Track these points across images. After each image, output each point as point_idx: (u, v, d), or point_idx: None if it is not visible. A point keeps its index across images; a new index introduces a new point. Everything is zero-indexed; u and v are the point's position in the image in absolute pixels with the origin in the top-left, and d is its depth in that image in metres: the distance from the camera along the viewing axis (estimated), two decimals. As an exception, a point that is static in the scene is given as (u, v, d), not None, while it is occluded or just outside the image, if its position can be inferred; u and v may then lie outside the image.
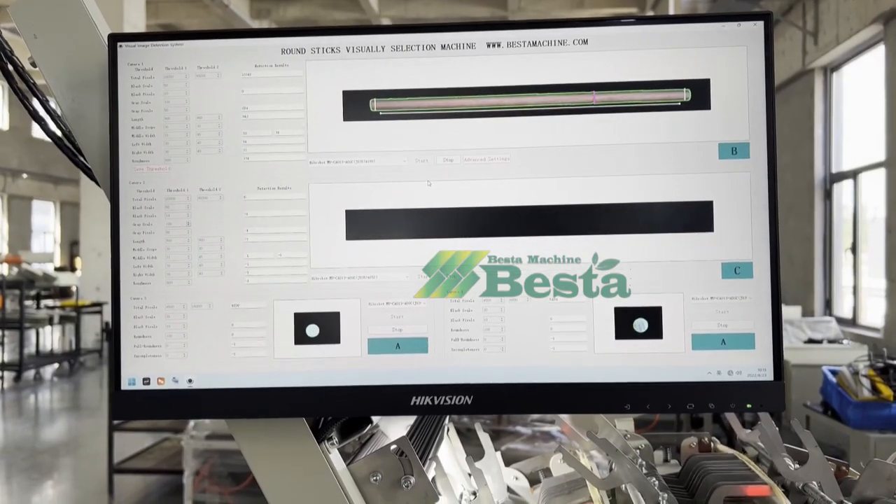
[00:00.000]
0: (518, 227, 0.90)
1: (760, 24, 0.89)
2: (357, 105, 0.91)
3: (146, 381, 0.91)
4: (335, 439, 0.96)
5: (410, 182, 0.91)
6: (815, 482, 1.05)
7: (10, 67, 0.98)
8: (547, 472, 1.42)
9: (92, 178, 0.97)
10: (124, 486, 4.81)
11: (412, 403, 0.90)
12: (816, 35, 7.62)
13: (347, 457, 0.99)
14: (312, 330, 0.91)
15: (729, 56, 0.90)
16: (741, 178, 0.89)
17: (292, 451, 0.93)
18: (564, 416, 1.37)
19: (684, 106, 0.90)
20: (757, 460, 1.22)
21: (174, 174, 0.92)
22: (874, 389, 4.35)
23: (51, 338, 11.79)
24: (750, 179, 0.89)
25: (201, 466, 3.86)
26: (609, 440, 1.10)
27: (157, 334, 0.91)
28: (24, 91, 1.00)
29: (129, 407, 0.92)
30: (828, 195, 7.93)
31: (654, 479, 1.04)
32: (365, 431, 1.05)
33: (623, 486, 1.08)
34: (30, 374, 9.26)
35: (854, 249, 7.40)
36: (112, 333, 0.92)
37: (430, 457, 1.11)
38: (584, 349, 0.90)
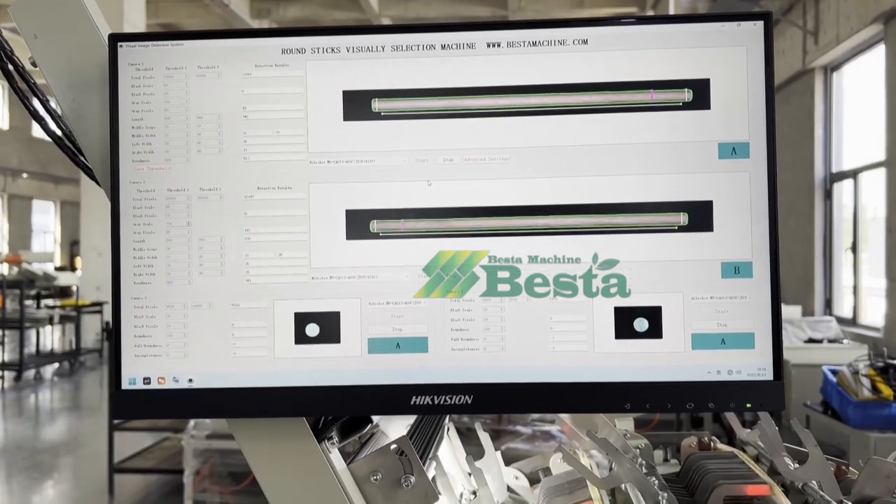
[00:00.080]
0: (518, 227, 0.91)
1: (760, 23, 0.89)
2: (357, 105, 0.92)
3: (146, 380, 0.91)
4: (335, 439, 0.96)
5: (410, 182, 0.91)
6: (814, 481, 1.05)
7: (11, 67, 0.98)
8: (547, 471, 1.43)
9: (92, 177, 0.97)
10: (124, 485, 4.81)
11: (412, 403, 0.90)
12: (817, 34, 7.62)
13: (347, 456, 0.99)
14: (313, 329, 0.91)
15: (729, 56, 0.90)
16: (741, 177, 0.89)
17: (293, 451, 0.93)
18: (564, 416, 1.37)
19: (684, 106, 0.90)
20: (757, 460, 1.22)
21: (174, 174, 0.92)
22: (874, 389, 4.35)
23: (51, 337, 11.79)
24: (750, 179, 0.89)
25: (201, 466, 3.86)
26: (609, 440, 1.11)
27: (157, 334, 0.91)
28: (25, 91, 1.00)
29: (130, 406, 0.92)
30: (828, 195, 7.92)
31: (653, 478, 1.04)
32: (365, 431, 1.05)
33: (623, 485, 1.08)
34: (30, 373, 9.27)
35: (854, 249, 7.40)
36: (112, 333, 0.92)
37: (430, 456, 1.11)
38: (584, 349, 0.90)
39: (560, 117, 0.91)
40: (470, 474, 1.29)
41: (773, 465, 1.13)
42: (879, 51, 6.66)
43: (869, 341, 6.16)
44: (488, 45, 0.91)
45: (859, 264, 7.34)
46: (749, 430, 1.26)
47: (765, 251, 0.89)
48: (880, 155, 6.51)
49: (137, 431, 4.99)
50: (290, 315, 0.91)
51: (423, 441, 1.11)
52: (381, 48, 0.92)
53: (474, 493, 1.25)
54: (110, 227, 0.92)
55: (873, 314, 6.99)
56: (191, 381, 0.91)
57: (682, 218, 0.90)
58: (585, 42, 0.91)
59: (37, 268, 13.65)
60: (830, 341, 5.97)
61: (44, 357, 10.24)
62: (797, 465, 1.10)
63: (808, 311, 7.71)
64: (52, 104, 1.00)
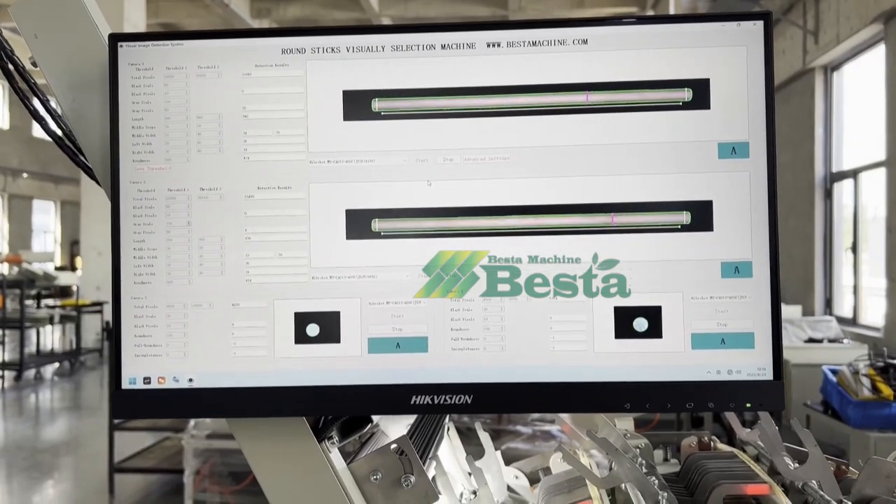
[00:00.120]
0: (518, 226, 0.91)
1: (760, 23, 0.90)
2: (357, 105, 0.92)
3: (147, 380, 0.91)
4: (335, 438, 0.96)
5: (410, 182, 0.91)
6: (814, 481, 1.05)
7: (11, 67, 0.98)
8: (547, 471, 1.43)
9: (93, 177, 0.97)
10: (125, 485, 4.81)
11: (412, 403, 0.90)
12: (817, 34, 7.62)
13: (348, 456, 0.99)
14: (313, 329, 0.91)
15: (729, 56, 0.90)
16: (741, 177, 0.89)
17: (293, 451, 0.93)
18: (564, 416, 1.37)
19: (684, 106, 0.90)
20: (757, 459, 1.22)
21: (174, 174, 0.92)
22: (874, 389, 4.35)
23: (51, 337, 11.80)
24: (749, 179, 0.89)
25: (202, 466, 3.86)
26: (609, 439, 1.11)
27: (157, 334, 0.91)
28: (25, 90, 1.00)
29: (130, 406, 0.92)
30: (828, 194, 7.92)
31: (653, 478, 1.04)
32: (365, 430, 1.05)
33: (623, 485, 1.08)
34: (30, 373, 9.27)
35: (854, 249, 7.40)
36: (113, 333, 0.92)
37: (430, 456, 1.11)
38: (584, 348, 0.90)
39: (560, 117, 0.91)
40: (470, 474, 1.29)
41: (773, 465, 1.13)
42: (880, 50, 6.65)
43: (869, 341, 6.16)
44: (488, 45, 0.91)
45: (859, 264, 7.34)
46: (749, 430, 1.26)
47: (765, 251, 0.89)
48: (880, 155, 6.51)
49: (138, 431, 4.99)
50: (291, 315, 0.91)
51: (423, 441, 1.11)
52: (381, 48, 0.92)
53: (474, 492, 1.26)
54: (110, 227, 0.92)
55: (873, 314, 6.99)
56: (191, 380, 0.91)
57: (682, 217, 0.90)
58: (585, 42, 0.91)
59: (37, 267, 13.65)
60: (830, 341, 5.97)
61: (44, 357, 10.25)
62: (797, 465, 1.10)
63: (808, 311, 7.71)
64: (53, 104, 1.00)
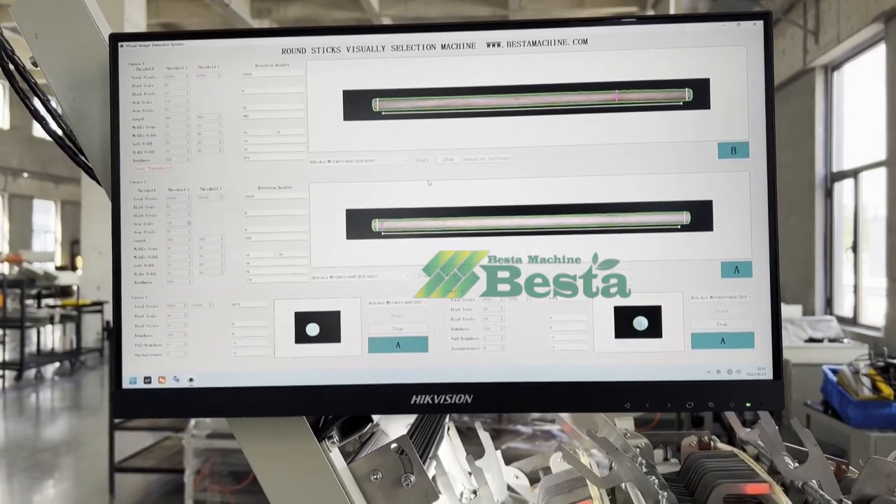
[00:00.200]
0: (518, 226, 0.91)
1: (760, 23, 0.90)
2: (357, 105, 0.92)
3: (147, 379, 0.91)
4: (336, 438, 0.96)
5: (411, 181, 0.91)
6: (814, 481, 1.05)
7: (12, 67, 0.98)
8: (547, 470, 1.43)
9: (93, 177, 0.98)
10: (125, 484, 4.81)
11: (412, 402, 0.90)
12: (817, 34, 7.61)
13: (348, 455, 0.99)
14: (313, 329, 0.91)
15: (728, 56, 0.90)
16: (741, 177, 0.89)
17: (293, 450, 0.93)
18: (565, 415, 1.37)
19: (684, 105, 0.90)
20: (757, 459, 1.22)
21: (175, 173, 0.92)
22: (875, 388, 4.35)
23: (52, 337, 11.81)
24: (749, 179, 0.89)
25: (202, 465, 3.86)
26: (609, 439, 1.11)
27: (158, 333, 0.91)
28: (26, 90, 1.00)
29: (130, 406, 0.92)
30: (828, 194, 7.92)
31: (653, 477, 1.04)
32: (365, 430, 1.05)
33: (623, 484, 1.08)
34: (31, 372, 9.27)
35: (855, 248, 7.40)
36: (113, 332, 0.92)
37: (430, 455, 1.12)
38: (584, 348, 0.90)
39: (560, 117, 0.91)
40: (470, 473, 1.29)
41: (773, 465, 1.13)
42: (880, 50, 6.65)
43: (869, 341, 6.16)
44: (488, 45, 0.91)
45: (860, 264, 7.34)
46: (749, 430, 1.26)
47: (764, 251, 0.89)
48: (881, 154, 6.51)
49: (138, 431, 4.99)
50: (291, 314, 0.91)
51: (423, 440, 1.11)
52: (381, 48, 0.92)
53: (474, 492, 1.26)
54: (111, 227, 0.92)
55: (874, 314, 6.98)
56: (191, 380, 0.91)
57: (682, 217, 0.90)
58: (585, 42, 0.91)
59: (37, 267, 13.64)
60: (831, 341, 5.97)
61: (44, 356, 10.25)
62: (797, 465, 1.10)
63: (808, 311, 7.70)
64: (53, 104, 1.00)
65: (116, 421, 4.61)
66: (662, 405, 0.90)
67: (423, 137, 0.91)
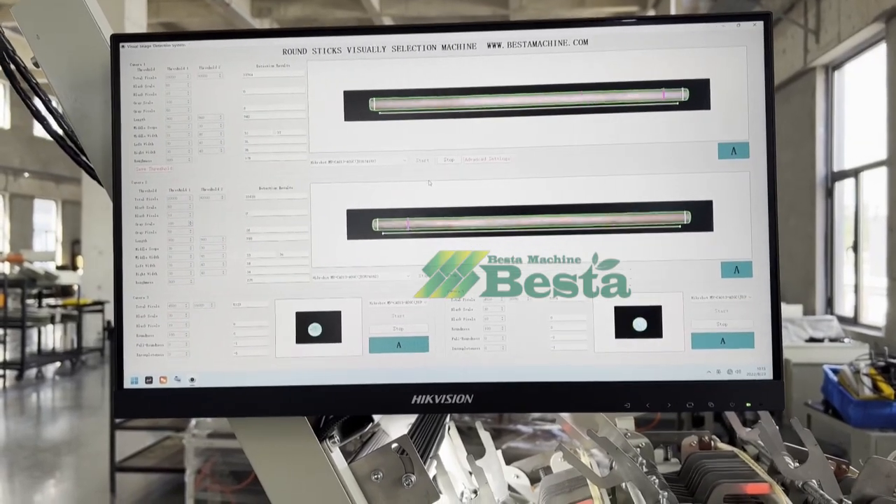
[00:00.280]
0: (518, 226, 0.91)
1: (760, 24, 0.90)
2: (358, 105, 0.92)
3: (148, 379, 0.92)
4: (336, 438, 0.97)
5: (411, 182, 0.91)
6: (814, 480, 1.05)
7: (13, 67, 0.98)
8: (547, 470, 1.43)
9: (94, 177, 0.98)
10: (126, 484, 4.82)
11: (413, 402, 0.91)
12: (818, 33, 7.61)
13: (349, 455, 0.99)
14: (314, 329, 0.91)
15: (729, 56, 0.90)
16: (741, 177, 0.90)
17: (294, 450, 0.93)
18: (565, 415, 1.38)
19: (684, 106, 0.90)
20: (757, 459, 1.22)
21: (176, 174, 0.92)
22: (875, 388, 4.35)
23: (52, 336, 11.81)
24: (749, 179, 0.90)
25: (203, 465, 3.86)
26: (609, 439, 1.11)
27: (159, 333, 0.91)
28: (27, 90, 1.00)
29: (132, 405, 0.92)
30: (829, 193, 7.92)
31: (654, 477, 1.05)
32: (366, 430, 1.05)
33: (623, 484, 1.09)
34: (32, 372, 9.28)
35: (855, 248, 7.39)
36: (115, 332, 0.92)
37: (431, 455, 1.12)
38: (585, 348, 0.90)
39: (560, 117, 0.91)
40: (471, 473, 1.29)
41: (774, 464, 1.13)
42: (881, 50, 6.65)
43: (870, 340, 6.16)
44: (489, 46, 0.91)
45: (860, 263, 7.34)
46: (749, 429, 1.26)
47: (765, 251, 0.89)
48: (881, 154, 6.50)
49: (139, 430, 4.99)
50: (292, 314, 0.91)
51: (424, 440, 1.11)
52: (381, 48, 0.92)
53: (475, 491, 1.26)
54: (112, 227, 0.92)
55: (874, 313, 6.98)
56: (192, 380, 0.91)
57: (683, 217, 0.90)
58: (586, 42, 0.91)
59: (38, 267, 13.63)
60: (831, 340, 5.97)
61: (45, 356, 10.26)
62: (797, 464, 1.10)
63: (809, 310, 7.70)
64: (54, 104, 1.01)
65: (117, 420, 4.61)
66: (663, 405, 0.90)
67: (424, 138, 0.91)
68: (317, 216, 0.92)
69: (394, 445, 0.95)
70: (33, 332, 10.51)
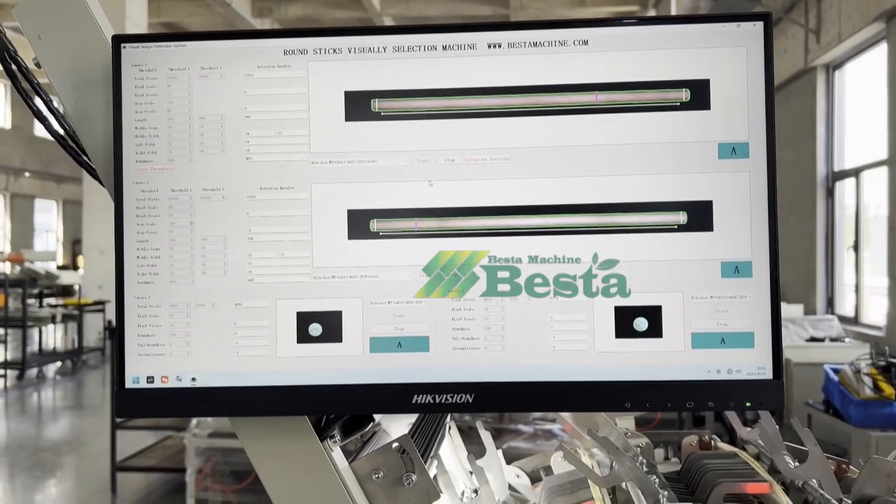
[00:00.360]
0: (518, 226, 0.91)
1: (760, 24, 0.90)
2: (359, 105, 0.92)
3: (150, 379, 0.92)
4: (337, 437, 0.97)
5: (412, 182, 0.91)
6: (814, 480, 1.05)
7: (14, 67, 0.98)
8: (548, 469, 1.43)
9: (96, 177, 0.98)
10: (127, 483, 4.82)
11: (414, 401, 0.91)
12: (818, 33, 7.61)
13: (349, 455, 0.99)
14: (315, 329, 0.91)
15: (729, 56, 0.90)
16: (741, 177, 0.90)
17: (295, 449, 0.94)
18: (566, 415, 1.38)
19: (684, 106, 0.90)
20: (757, 458, 1.22)
21: (177, 174, 0.92)
22: (876, 388, 4.35)
23: (53, 336, 11.82)
24: (749, 179, 0.90)
25: (204, 464, 3.87)
26: (610, 438, 1.11)
27: (160, 333, 0.92)
28: (28, 91, 1.00)
29: (133, 405, 0.92)
30: (830, 193, 7.92)
31: (654, 476, 1.05)
32: (367, 429, 1.06)
33: (624, 483, 1.09)
34: (33, 372, 9.28)
35: (856, 247, 7.39)
36: (116, 332, 0.92)
37: (431, 455, 1.12)
38: (585, 348, 0.90)
39: (560, 117, 0.91)
40: (471, 473, 1.30)
41: (774, 464, 1.13)
42: (881, 49, 6.65)
43: (871, 340, 6.15)
44: (489, 46, 0.92)
45: (861, 263, 7.34)
46: (750, 429, 1.26)
47: (764, 251, 0.90)
48: (882, 153, 6.50)
49: (140, 430, 4.99)
50: (293, 314, 0.91)
51: (424, 439, 1.11)
52: (382, 49, 0.92)
53: (475, 491, 1.26)
54: (114, 227, 0.92)
55: (875, 313, 6.98)
56: (194, 379, 0.92)
57: (682, 217, 0.90)
58: (586, 42, 0.91)
59: (39, 266, 13.64)
60: (832, 340, 5.97)
61: (46, 356, 10.26)
62: (797, 464, 1.10)
63: (809, 310, 7.70)
64: (56, 104, 1.01)
65: (118, 420, 4.61)
66: (663, 405, 0.90)
67: (425, 138, 0.91)
68: (318, 216, 0.92)
69: (394, 445, 0.95)
70: (34, 332, 10.52)
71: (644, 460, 1.13)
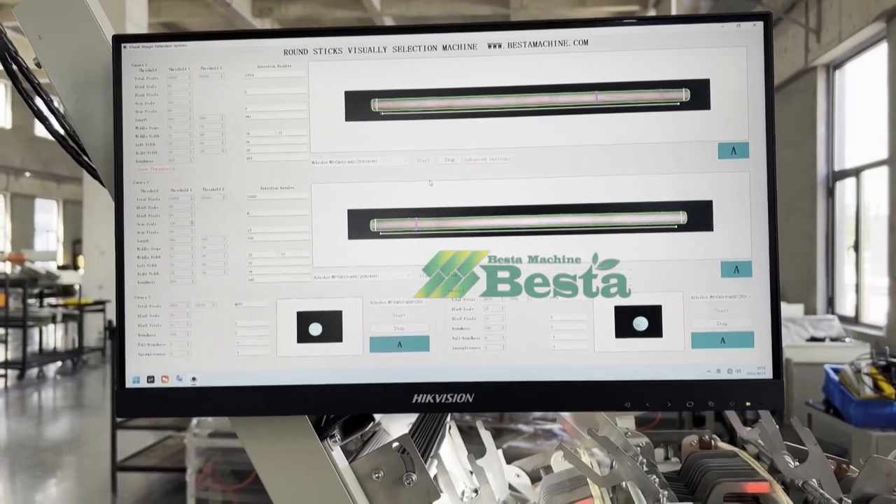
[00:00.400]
0: (518, 226, 0.91)
1: (760, 24, 0.90)
2: (359, 105, 0.92)
3: (150, 378, 0.92)
4: (337, 437, 0.97)
5: (412, 182, 0.92)
6: (814, 479, 1.05)
7: (15, 67, 0.98)
8: (548, 469, 1.43)
9: (96, 177, 0.98)
10: (127, 483, 4.82)
11: (414, 401, 0.91)
12: (819, 33, 7.61)
13: (350, 454, 0.99)
14: (315, 328, 0.91)
15: (729, 56, 0.90)
16: (740, 177, 0.90)
17: (295, 449, 0.94)
18: (566, 414, 1.38)
19: (684, 106, 0.90)
20: (757, 458, 1.22)
21: (178, 174, 0.92)
22: (876, 387, 4.35)
23: (54, 336, 11.82)
24: (749, 179, 0.90)
25: (204, 464, 3.87)
26: (610, 438, 1.11)
27: (161, 333, 0.92)
28: (29, 91, 1.00)
29: (133, 405, 0.93)
30: (830, 193, 7.92)
31: (654, 476, 1.05)
32: (367, 429, 1.06)
33: (624, 483, 1.09)
34: (33, 372, 9.28)
35: (856, 247, 7.39)
36: (116, 332, 0.92)
37: (431, 454, 1.12)
38: (585, 347, 0.90)
39: (561, 117, 0.91)
40: (471, 472, 1.30)
41: (774, 463, 1.13)
42: (882, 49, 6.65)
43: (871, 340, 6.15)
44: (489, 46, 0.92)
45: (861, 263, 7.33)
46: (750, 429, 1.26)
47: (764, 250, 0.90)
48: (883, 153, 6.50)
49: (140, 430, 4.99)
50: (293, 314, 0.92)
51: (424, 439, 1.12)
52: (382, 49, 0.92)
53: (476, 490, 1.26)
54: (114, 227, 0.92)
55: (875, 313, 6.98)
56: (194, 379, 0.92)
57: (682, 217, 0.90)
58: (586, 42, 0.91)
59: (39, 266, 13.64)
60: (832, 340, 5.96)
61: (47, 355, 10.26)
62: (797, 464, 1.10)
63: (810, 310, 7.70)
64: (56, 104, 1.01)
65: (118, 420, 4.61)
66: (662, 404, 0.90)
67: (425, 138, 0.92)
68: (318, 216, 0.92)
69: (395, 444, 0.95)
70: (35, 332, 10.52)
71: (644, 460, 1.13)
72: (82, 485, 5.18)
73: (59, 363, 9.98)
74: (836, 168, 7.85)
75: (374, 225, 0.92)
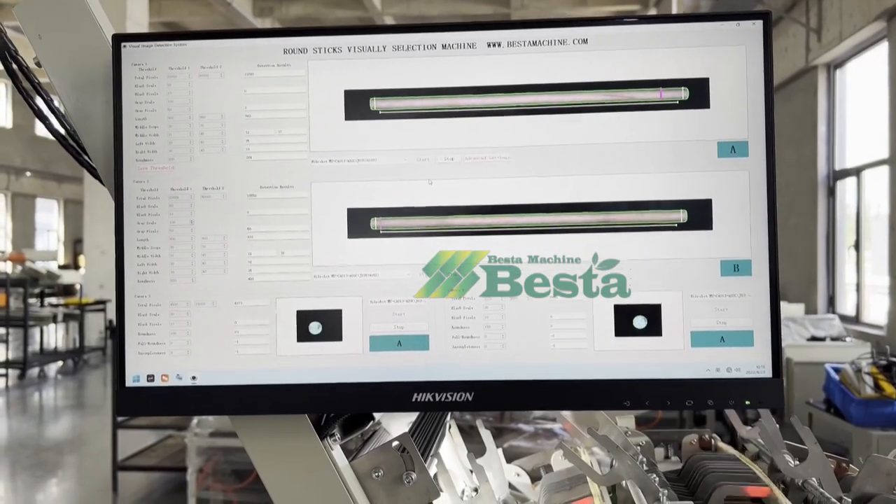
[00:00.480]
0: (518, 225, 0.91)
1: (759, 23, 0.90)
2: (358, 104, 0.92)
3: (150, 378, 0.92)
4: (337, 436, 0.97)
5: (412, 181, 0.92)
6: (814, 478, 1.05)
7: (15, 67, 0.99)
8: (548, 468, 1.43)
9: (96, 176, 0.98)
10: (128, 483, 4.83)
11: (414, 400, 0.91)
12: (820, 32, 7.60)
13: (350, 453, 0.99)
14: (315, 327, 0.91)
15: (728, 55, 0.90)
16: (740, 176, 0.90)
17: (295, 448, 0.94)
18: (566, 413, 1.38)
19: (683, 105, 0.90)
20: (757, 457, 1.22)
21: (178, 173, 0.93)
22: (877, 387, 4.35)
23: (55, 335, 11.82)
24: (749, 178, 0.90)
25: (205, 463, 3.87)
26: (610, 437, 1.11)
27: (161, 332, 0.92)
28: (29, 90, 1.01)
29: (134, 404, 0.93)
30: (831, 192, 7.91)
31: (654, 475, 1.05)
32: (367, 428, 1.06)
33: (624, 482, 1.09)
34: (34, 371, 9.29)
35: (857, 246, 7.39)
36: (117, 331, 0.92)
37: (431, 453, 1.12)
38: (584, 346, 0.90)
39: (560, 116, 0.91)
40: (471, 471, 1.30)
41: (774, 463, 1.13)
42: (882, 48, 6.64)
43: (872, 339, 6.15)
44: (489, 45, 0.92)
45: (862, 262, 7.33)
46: (750, 428, 1.26)
47: (764, 249, 0.90)
48: (883, 153, 6.50)
49: (141, 429, 4.99)
50: (293, 313, 0.92)
51: (424, 438, 1.12)
52: (382, 48, 0.92)
53: (476, 489, 1.26)
54: (114, 226, 0.92)
55: (876, 312, 6.98)
56: (194, 378, 0.92)
57: (682, 216, 0.90)
58: (585, 41, 0.91)
59: (40, 266, 13.63)
60: (833, 339, 5.96)
61: (48, 355, 10.27)
62: (797, 463, 1.10)
63: (810, 309, 7.70)
64: (56, 103, 1.01)
65: (119, 419, 4.61)
66: (662, 403, 0.90)
67: (424, 137, 0.92)
68: (317, 215, 0.92)
69: (395, 443, 0.95)
70: (35, 332, 10.53)
71: (644, 459, 1.13)
72: (83, 484, 5.18)
73: (60, 363, 9.99)
74: (837, 167, 7.85)
75: (374, 224, 0.92)
